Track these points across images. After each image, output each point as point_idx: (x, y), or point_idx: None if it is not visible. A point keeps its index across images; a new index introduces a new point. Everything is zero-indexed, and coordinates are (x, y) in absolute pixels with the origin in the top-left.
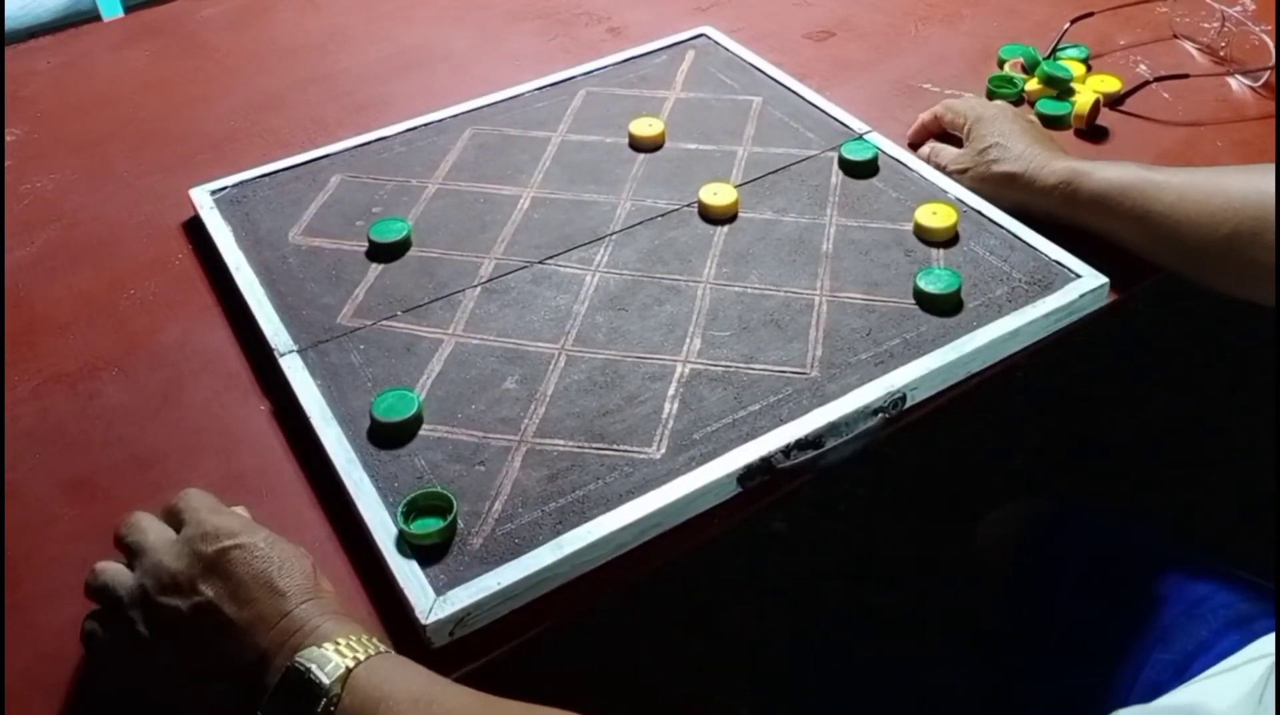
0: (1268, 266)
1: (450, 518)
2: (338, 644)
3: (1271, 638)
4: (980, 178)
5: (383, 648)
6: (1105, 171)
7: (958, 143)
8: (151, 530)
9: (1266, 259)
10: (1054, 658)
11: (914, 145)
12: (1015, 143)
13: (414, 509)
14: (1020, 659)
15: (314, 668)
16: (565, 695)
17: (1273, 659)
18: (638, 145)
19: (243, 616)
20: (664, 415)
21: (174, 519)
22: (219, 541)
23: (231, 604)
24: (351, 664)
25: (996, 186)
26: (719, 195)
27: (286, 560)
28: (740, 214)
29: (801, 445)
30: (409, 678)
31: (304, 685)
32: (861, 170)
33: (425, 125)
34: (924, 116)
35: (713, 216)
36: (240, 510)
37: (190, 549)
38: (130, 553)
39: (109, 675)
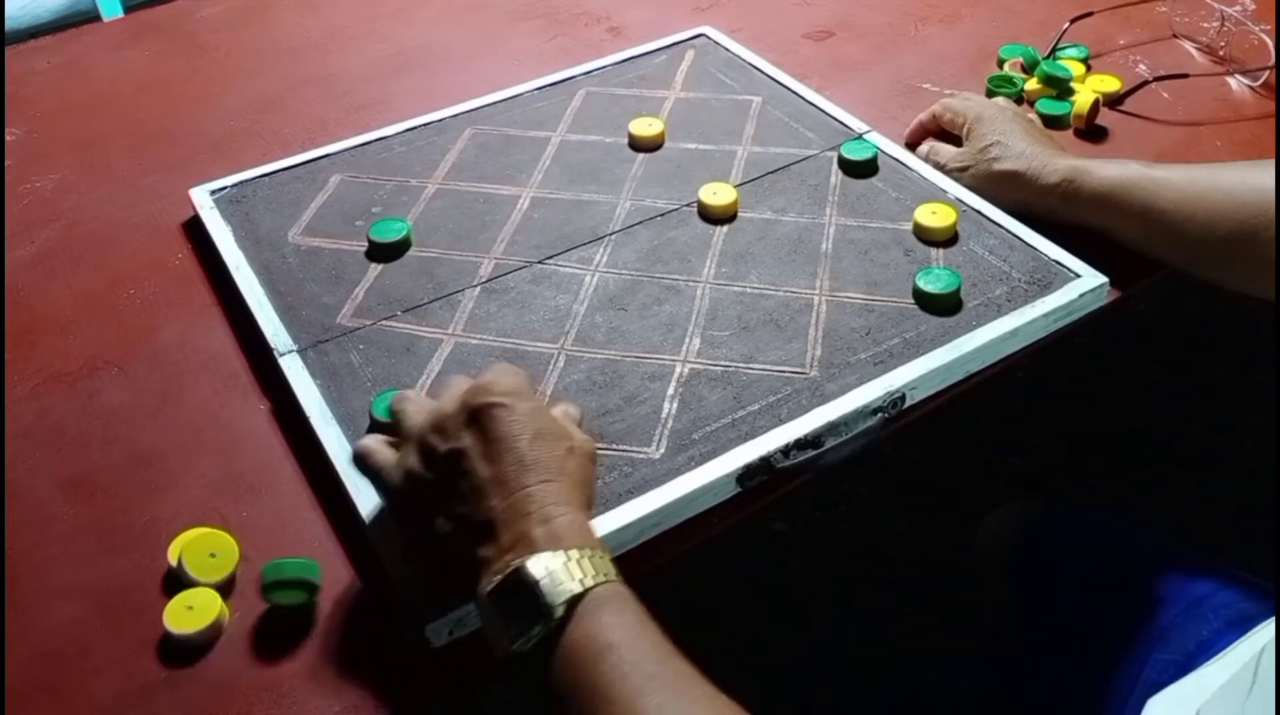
0: (1270, 261)
1: None
2: (569, 556)
3: (1265, 626)
4: (981, 176)
5: (613, 572)
6: (1106, 169)
7: (956, 142)
8: (454, 381)
9: (1269, 254)
10: (1054, 658)
11: (910, 145)
12: (1016, 141)
13: None
14: (1020, 659)
15: (543, 582)
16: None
17: (1261, 644)
18: (637, 145)
19: (487, 473)
20: (663, 415)
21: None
22: (485, 397)
23: (480, 459)
24: (579, 590)
25: (997, 185)
26: (718, 195)
27: (543, 433)
28: (740, 214)
29: (801, 445)
30: (639, 631)
31: (527, 598)
32: (861, 170)
33: (425, 125)
34: (922, 116)
35: (712, 216)
36: (567, 408)
37: (462, 398)
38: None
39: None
